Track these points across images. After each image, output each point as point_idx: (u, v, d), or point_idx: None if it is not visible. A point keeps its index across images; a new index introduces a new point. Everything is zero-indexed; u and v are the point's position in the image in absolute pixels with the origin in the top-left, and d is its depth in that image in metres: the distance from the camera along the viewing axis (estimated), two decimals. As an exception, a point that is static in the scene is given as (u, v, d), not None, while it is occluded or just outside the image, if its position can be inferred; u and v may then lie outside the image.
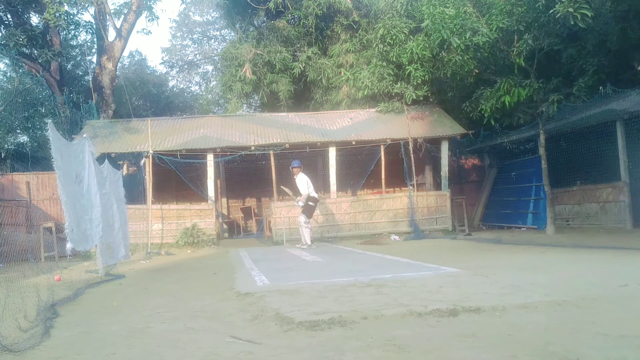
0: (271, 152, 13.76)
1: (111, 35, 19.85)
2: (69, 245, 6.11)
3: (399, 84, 14.65)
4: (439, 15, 11.12)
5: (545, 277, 5.71)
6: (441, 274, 6.33)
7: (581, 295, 4.52)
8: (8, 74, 24.51)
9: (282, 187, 12.01)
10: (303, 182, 11.20)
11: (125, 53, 28.47)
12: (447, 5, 11.36)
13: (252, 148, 13.88)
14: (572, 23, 9.61)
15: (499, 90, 11.84)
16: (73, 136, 13.48)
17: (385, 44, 14.02)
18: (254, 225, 17.25)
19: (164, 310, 5.03)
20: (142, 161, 14.65)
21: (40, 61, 18.71)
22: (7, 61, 22.88)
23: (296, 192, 11.52)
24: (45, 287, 5.94)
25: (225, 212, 17.16)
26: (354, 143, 14.11)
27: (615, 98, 10.96)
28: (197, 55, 33.04)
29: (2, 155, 18.44)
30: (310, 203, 11.31)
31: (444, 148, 14.25)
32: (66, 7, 17.43)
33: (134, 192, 14.79)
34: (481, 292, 4.95)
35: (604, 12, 11.57)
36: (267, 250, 11.69)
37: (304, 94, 18.82)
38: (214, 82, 30.57)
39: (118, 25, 19.61)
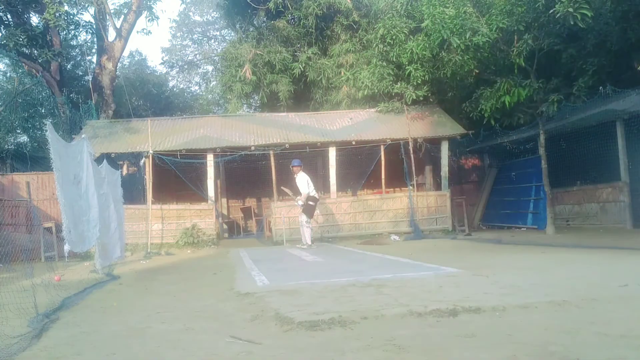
0: (271, 152, 13.75)
1: (111, 35, 19.86)
2: (66, 247, 6.12)
3: (399, 84, 14.65)
4: (439, 15, 11.12)
5: (546, 277, 5.71)
6: (441, 274, 6.33)
7: (581, 295, 4.52)
8: (8, 74, 24.55)
9: (282, 188, 12.00)
10: (303, 181, 11.18)
11: (125, 53, 28.48)
12: (447, 5, 11.35)
13: (252, 148, 13.88)
14: (572, 23, 9.61)
15: (499, 90, 11.84)
16: (73, 136, 13.50)
17: (385, 44, 14.00)
18: (254, 225, 17.25)
19: (164, 310, 5.03)
20: (142, 161, 14.66)
21: (40, 61, 18.71)
22: (7, 61, 22.91)
23: (296, 192, 11.51)
24: (45, 287, 5.93)
25: (225, 212, 17.15)
26: (354, 143, 14.10)
27: (615, 98, 10.96)
28: (197, 56, 33.05)
29: (3, 155, 18.43)
30: (311, 203, 11.28)
31: (444, 148, 14.24)
32: (66, 7, 17.45)
33: (133, 192, 14.80)
34: (481, 292, 4.95)
35: (604, 12, 11.57)
36: (267, 251, 11.69)
37: (304, 94, 18.81)
38: (214, 83, 30.58)
39: (118, 25, 19.61)
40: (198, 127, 15.09)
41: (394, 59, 14.08)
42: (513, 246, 9.77)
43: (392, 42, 13.79)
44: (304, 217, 11.30)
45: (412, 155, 13.86)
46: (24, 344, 3.81)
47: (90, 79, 20.19)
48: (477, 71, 12.52)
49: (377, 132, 14.39)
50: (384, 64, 14.59)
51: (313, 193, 11.33)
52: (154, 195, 13.68)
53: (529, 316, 3.94)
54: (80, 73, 26.50)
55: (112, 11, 20.05)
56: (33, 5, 18.77)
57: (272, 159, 13.77)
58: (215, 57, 30.06)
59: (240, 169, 16.24)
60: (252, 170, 16.13)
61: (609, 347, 3.10)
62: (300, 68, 17.25)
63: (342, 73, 16.34)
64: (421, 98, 14.63)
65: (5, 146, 19.40)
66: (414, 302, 4.57)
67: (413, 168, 13.83)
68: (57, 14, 16.28)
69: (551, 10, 9.67)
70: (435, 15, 11.17)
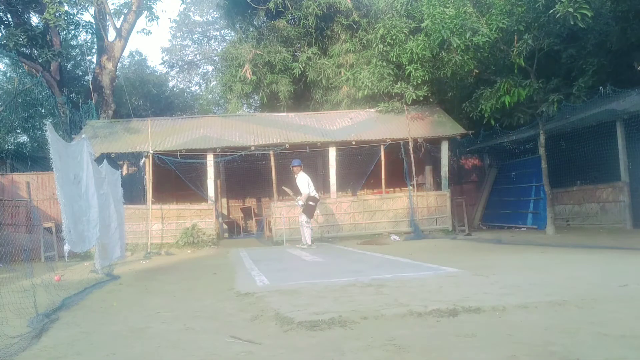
0: (271, 152, 13.75)
1: (111, 35, 19.88)
2: (66, 247, 6.12)
3: (399, 84, 14.65)
4: (439, 15, 11.12)
5: (545, 277, 5.71)
6: (441, 274, 6.33)
7: (581, 295, 4.52)
8: (8, 74, 24.56)
9: (283, 187, 12.00)
10: (304, 181, 11.19)
11: (125, 53, 28.52)
12: (447, 5, 11.36)
13: (252, 148, 13.88)
14: (572, 23, 9.61)
15: (499, 90, 11.84)
16: (73, 136, 13.49)
17: (385, 44, 14.01)
18: (254, 225, 17.25)
19: (164, 310, 5.03)
20: (142, 161, 14.65)
21: (40, 61, 18.72)
22: (7, 61, 22.91)
23: (297, 192, 11.51)
24: (45, 287, 5.93)
25: (225, 212, 17.15)
26: (354, 143, 14.11)
27: (615, 98, 10.96)
28: (197, 55, 33.07)
29: (3, 155, 18.43)
30: (311, 203, 11.29)
31: (444, 148, 14.24)
32: (66, 7, 17.44)
33: (133, 192, 14.79)
34: (481, 292, 4.95)
35: (604, 12, 11.58)
36: (267, 251, 11.69)
37: (304, 94, 18.82)
38: (214, 83, 30.59)
39: (118, 25, 19.63)
40: (198, 127, 15.09)
41: (394, 59, 14.08)
42: (513, 246, 9.76)
43: (392, 42, 13.80)
44: (304, 217, 11.30)
45: (412, 155, 13.86)
46: (24, 344, 3.81)
47: (90, 79, 20.19)
48: (477, 71, 12.52)
49: (377, 132, 14.39)
50: (384, 64, 14.60)
51: (314, 193, 11.34)
52: (154, 195, 13.67)
53: (529, 316, 3.94)
54: (80, 73, 26.51)
55: (112, 11, 20.06)
56: (33, 5, 18.77)
57: (272, 159, 13.77)
58: (215, 57, 30.08)
59: (240, 169, 16.23)
60: (252, 170, 16.13)
61: (609, 347, 3.10)
62: (300, 68, 17.24)
63: (342, 73, 16.35)
64: (421, 98, 14.63)
65: (5, 146, 19.41)
66: (414, 302, 4.57)
67: (413, 168, 13.84)
68: (57, 14, 16.28)
69: (551, 10, 9.66)
70: (435, 15, 11.17)
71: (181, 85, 34.63)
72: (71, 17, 19.02)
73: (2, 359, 3.47)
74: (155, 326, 4.36)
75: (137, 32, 41.30)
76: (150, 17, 19.71)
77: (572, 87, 12.05)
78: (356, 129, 14.69)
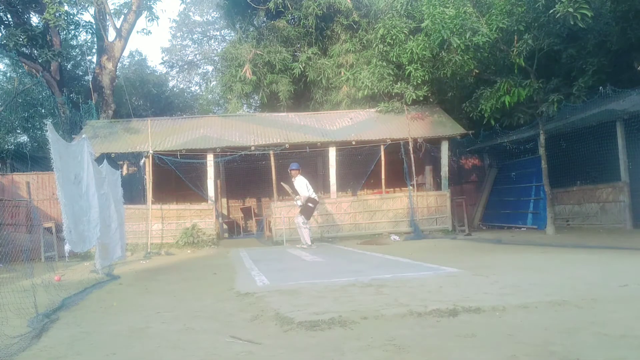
0: (271, 152, 13.75)
1: (111, 35, 19.89)
2: (67, 247, 6.12)
3: (399, 84, 14.65)
4: (439, 15, 11.13)
5: (545, 277, 5.71)
6: (441, 274, 6.33)
7: (581, 295, 4.52)
8: (8, 74, 24.55)
9: (281, 183, 12.00)
10: (302, 184, 11.19)
11: (125, 53, 28.52)
12: (447, 5, 11.36)
13: (252, 148, 13.88)
14: (572, 23, 9.61)
15: (499, 90, 11.84)
16: (73, 136, 13.49)
17: (385, 44, 14.01)
18: (254, 225, 17.25)
19: (164, 310, 5.03)
20: (142, 161, 14.65)
21: (40, 61, 18.72)
22: (7, 61, 22.91)
23: (295, 191, 11.52)
24: (45, 287, 5.93)
25: (225, 212, 17.15)
26: (354, 143, 14.11)
27: (615, 98, 10.96)
28: (197, 55, 33.05)
29: (3, 155, 18.42)
30: (310, 204, 11.29)
31: (444, 148, 14.24)
32: (66, 7, 17.44)
33: (133, 192, 14.79)
34: (481, 292, 4.95)
35: (604, 12, 11.58)
36: (267, 251, 11.69)
37: (304, 94, 18.82)
38: (214, 83, 30.57)
39: (118, 25, 19.64)
40: (198, 127, 15.09)
41: (394, 59, 14.08)
42: (513, 246, 9.76)
43: (392, 42, 13.80)
44: (300, 219, 11.28)
45: (412, 155, 13.86)
46: (24, 344, 3.81)
47: (90, 79, 20.20)
48: (477, 71, 12.52)
49: (377, 132, 14.39)
50: (384, 64, 14.60)
51: (313, 195, 11.34)
52: (154, 195, 13.67)
53: (529, 316, 3.94)
54: (80, 73, 26.52)
55: (112, 11, 20.07)
56: (33, 5, 18.78)
57: (272, 159, 13.77)
58: (215, 57, 30.05)
59: (240, 169, 16.24)
60: (252, 170, 16.13)
61: (609, 347, 3.10)
62: (300, 68, 17.25)
63: (342, 73, 16.35)
64: (421, 98, 14.63)
65: (5, 146, 19.40)
66: (414, 302, 4.57)
67: (413, 168, 13.84)
68: (57, 14, 16.27)
69: (551, 10, 9.67)
70: (435, 15, 11.18)
71: (181, 85, 34.67)
72: (71, 17, 19.01)
73: (2, 359, 3.47)
74: (155, 326, 4.36)
75: (137, 32, 41.31)
76: (150, 17, 19.73)
77: (572, 87, 12.04)
78: (356, 129, 14.69)
